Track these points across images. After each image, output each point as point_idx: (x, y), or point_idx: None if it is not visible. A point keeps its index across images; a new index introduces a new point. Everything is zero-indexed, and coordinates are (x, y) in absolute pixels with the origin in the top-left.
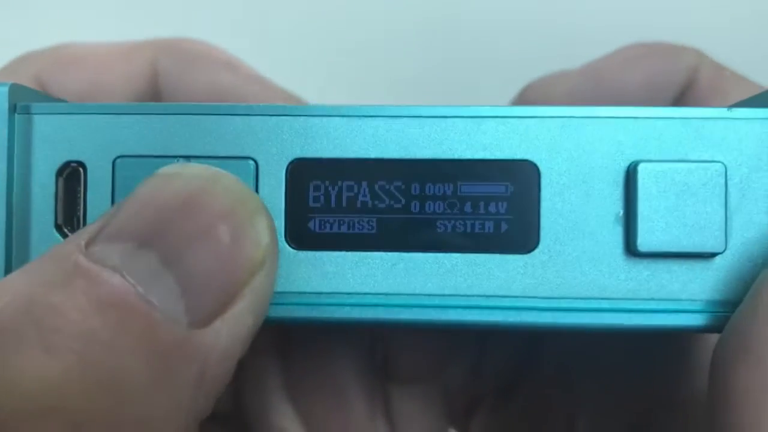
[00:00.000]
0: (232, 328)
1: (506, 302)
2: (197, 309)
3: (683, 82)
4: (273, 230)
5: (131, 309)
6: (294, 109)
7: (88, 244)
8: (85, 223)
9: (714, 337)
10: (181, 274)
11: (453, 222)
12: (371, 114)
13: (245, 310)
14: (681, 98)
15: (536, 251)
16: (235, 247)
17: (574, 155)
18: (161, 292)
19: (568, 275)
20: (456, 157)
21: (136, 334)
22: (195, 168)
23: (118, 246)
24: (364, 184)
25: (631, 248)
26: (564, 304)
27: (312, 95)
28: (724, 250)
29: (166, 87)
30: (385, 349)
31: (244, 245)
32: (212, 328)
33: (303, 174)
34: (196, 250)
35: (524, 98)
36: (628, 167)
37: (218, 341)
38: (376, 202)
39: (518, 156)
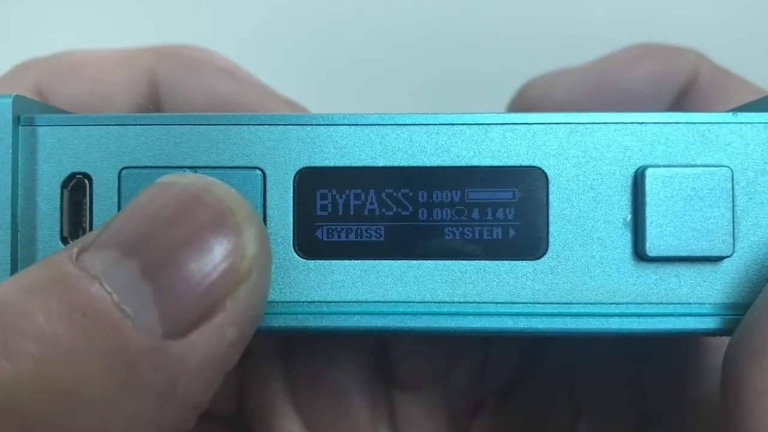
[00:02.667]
0: (209, 340)
1: (516, 309)
2: (173, 319)
3: (684, 82)
4: (263, 241)
5: (102, 316)
6: (301, 117)
7: (80, 252)
8: None
9: (721, 340)
10: (160, 283)
11: (461, 229)
12: (378, 122)
13: (226, 322)
14: (682, 99)
15: (545, 257)
16: (219, 257)
17: (582, 161)
18: (137, 302)
19: (578, 281)
20: (463, 164)
21: (101, 341)
22: (190, 177)
23: (104, 254)
24: (372, 191)
25: (639, 253)
26: (574, 309)
27: (313, 103)
28: (732, 254)
29: (166, 94)
30: (388, 354)
31: (228, 255)
32: (187, 340)
33: (310, 183)
34: (178, 260)
35: (525, 95)
36: (636, 172)
37: (193, 352)
38: (384, 210)
39: (526, 162)
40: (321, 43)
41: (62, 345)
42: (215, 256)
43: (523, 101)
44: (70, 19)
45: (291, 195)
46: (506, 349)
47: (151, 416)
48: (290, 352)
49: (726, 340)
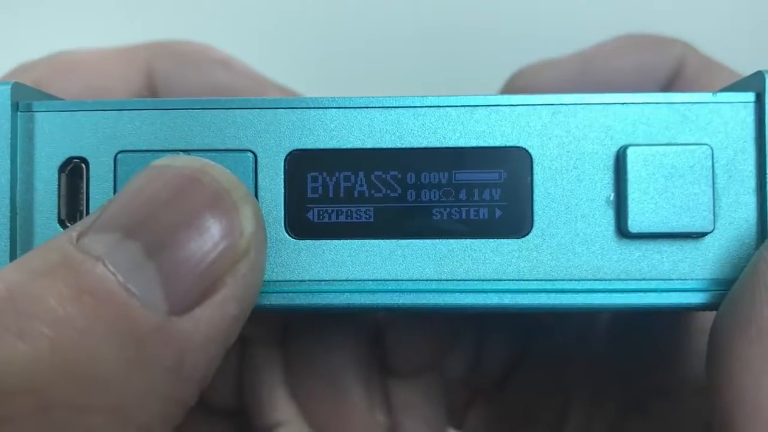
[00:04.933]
0: (213, 315)
1: (502, 285)
2: (177, 297)
3: (671, 71)
4: (259, 219)
5: (109, 297)
6: (291, 101)
7: (80, 236)
8: None
9: (707, 321)
10: (162, 263)
11: (448, 209)
12: (366, 105)
13: (227, 298)
14: (668, 88)
15: (530, 235)
16: (218, 235)
17: (565, 141)
18: (141, 281)
19: (562, 258)
20: (450, 145)
21: (111, 321)
22: (184, 159)
23: (105, 236)
24: (361, 173)
25: (622, 230)
26: (558, 285)
27: (307, 93)
28: (713, 230)
29: (163, 88)
30: (383, 342)
31: (227, 234)
32: (191, 316)
33: (301, 165)
34: (179, 240)
35: (514, 84)
36: (618, 151)
37: (197, 329)
38: (373, 192)
39: (511, 143)
40: (318, 36)
41: (75, 326)
42: (214, 235)
43: (512, 90)
44: (67, 23)
45: (282, 177)
46: (500, 338)
47: (161, 391)
48: (287, 340)
49: (711, 321)
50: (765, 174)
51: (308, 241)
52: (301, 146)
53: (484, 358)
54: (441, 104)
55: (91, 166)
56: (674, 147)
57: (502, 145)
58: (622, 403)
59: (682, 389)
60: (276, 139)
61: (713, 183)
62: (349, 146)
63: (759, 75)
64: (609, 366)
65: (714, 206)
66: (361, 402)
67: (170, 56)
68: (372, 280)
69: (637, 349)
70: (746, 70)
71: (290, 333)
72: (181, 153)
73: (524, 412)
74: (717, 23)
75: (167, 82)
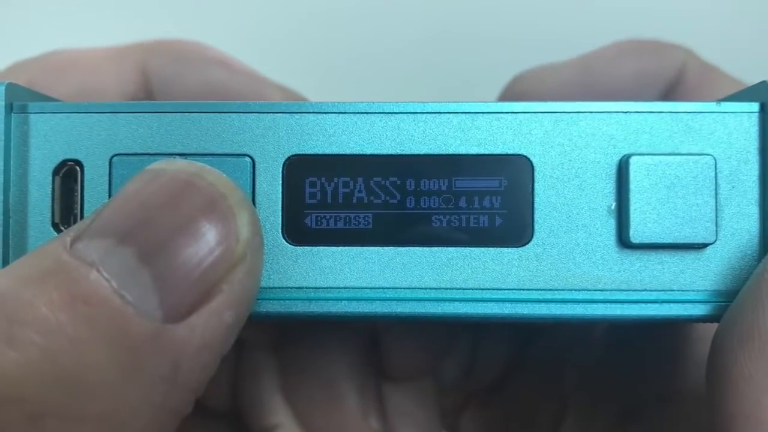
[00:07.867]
0: (208, 322)
1: (502, 294)
2: (172, 304)
3: (672, 77)
4: (256, 225)
5: (103, 303)
6: (290, 106)
7: (73, 241)
8: None
9: (704, 332)
10: (157, 269)
11: (448, 217)
12: (366, 110)
13: (223, 305)
14: (669, 94)
15: (530, 244)
16: (214, 241)
17: (567, 149)
18: (136, 288)
19: (562, 267)
20: (451, 152)
21: (104, 328)
22: (180, 164)
23: (99, 242)
24: (360, 179)
25: (623, 240)
26: (558, 295)
27: (307, 98)
28: (715, 241)
29: (159, 87)
30: (379, 347)
31: (222, 240)
32: (186, 323)
33: (299, 170)
34: (174, 246)
35: (514, 89)
36: (620, 160)
37: (193, 336)
38: (372, 198)
39: (512, 151)
40: (318, 40)
41: (66, 334)
42: (210, 241)
43: (512, 95)
44: (60, 21)
45: (280, 182)
46: (495, 343)
47: (155, 399)
48: (282, 344)
49: (710, 330)
50: None
51: (306, 247)
52: (299, 151)
53: (480, 362)
54: (442, 111)
55: (85, 169)
56: (677, 157)
57: (503, 152)
58: (619, 410)
59: (680, 397)
60: (274, 144)
61: (716, 193)
62: (349, 152)
63: (763, 85)
64: (606, 372)
65: (716, 217)
66: (356, 407)
67: (166, 55)
68: (370, 288)
69: (634, 356)
70: (748, 77)
71: (286, 337)
72: (177, 157)
73: (519, 416)
74: (719, 29)
75: (163, 82)
